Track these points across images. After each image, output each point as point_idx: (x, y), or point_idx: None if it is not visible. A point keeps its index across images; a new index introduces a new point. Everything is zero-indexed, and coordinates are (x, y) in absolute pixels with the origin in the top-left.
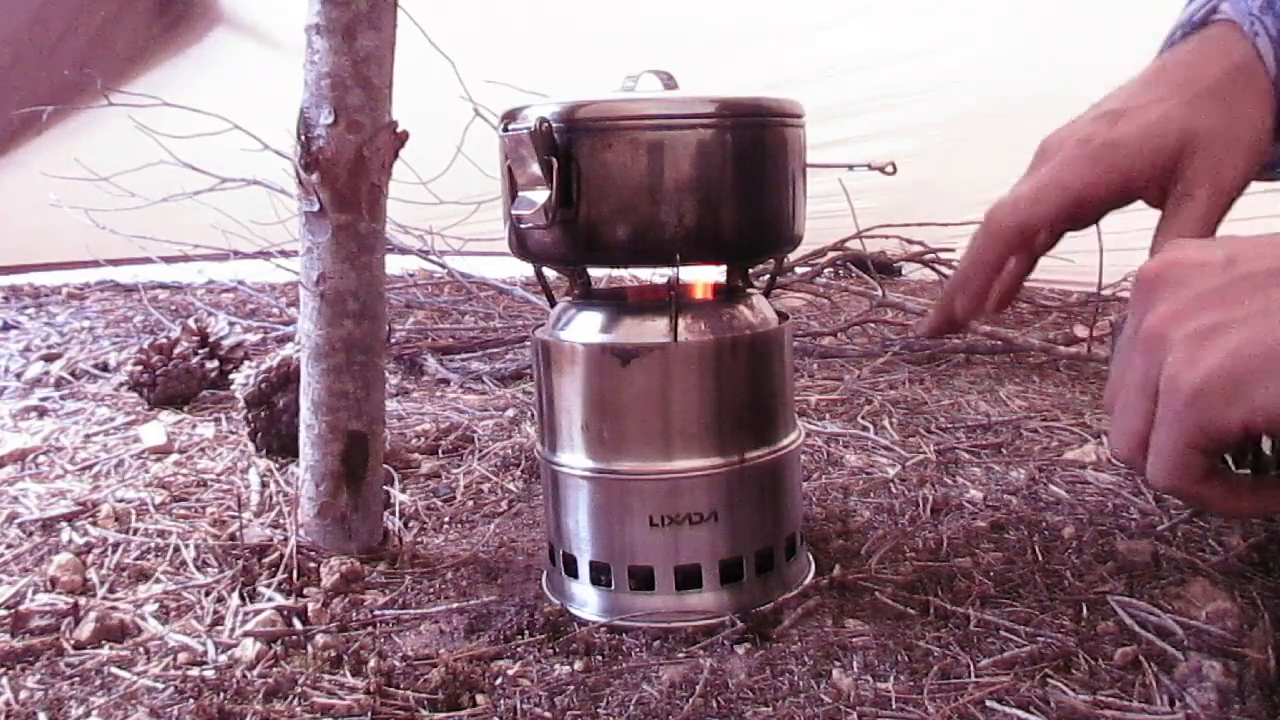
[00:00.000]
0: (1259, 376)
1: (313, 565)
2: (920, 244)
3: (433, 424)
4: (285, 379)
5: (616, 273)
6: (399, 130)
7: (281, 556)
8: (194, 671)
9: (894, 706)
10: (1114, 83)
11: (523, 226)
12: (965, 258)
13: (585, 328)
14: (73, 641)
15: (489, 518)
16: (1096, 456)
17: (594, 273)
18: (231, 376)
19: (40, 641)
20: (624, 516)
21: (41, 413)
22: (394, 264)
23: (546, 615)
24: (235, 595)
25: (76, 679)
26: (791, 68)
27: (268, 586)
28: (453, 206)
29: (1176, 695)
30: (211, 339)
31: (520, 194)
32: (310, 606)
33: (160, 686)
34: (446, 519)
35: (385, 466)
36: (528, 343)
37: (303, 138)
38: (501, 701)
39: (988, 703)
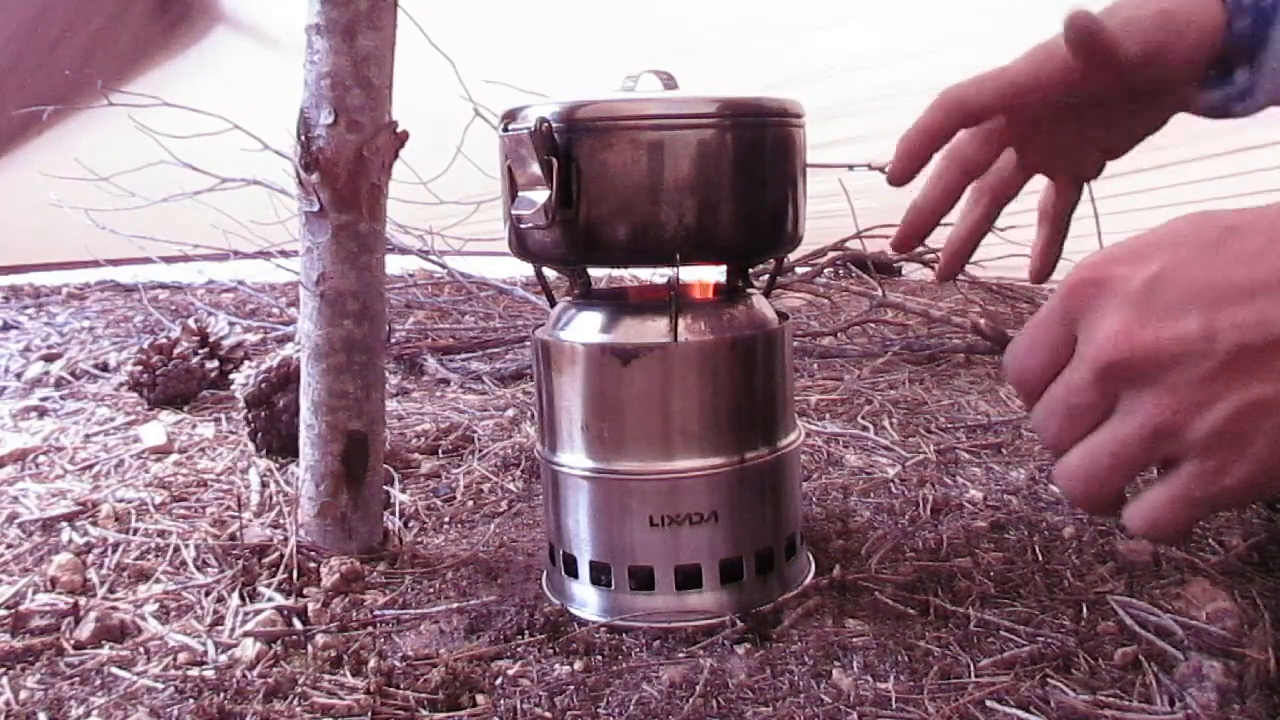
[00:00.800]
0: None
1: (313, 565)
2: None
3: (433, 424)
4: (285, 379)
5: (616, 273)
6: (399, 130)
7: (281, 556)
8: (194, 671)
9: (894, 706)
10: None
11: (523, 226)
12: (912, 126)
13: (585, 328)
14: (73, 641)
15: (489, 518)
16: None
17: (594, 273)
18: (231, 376)
19: (40, 641)
20: (624, 516)
21: (41, 413)
22: (394, 264)
23: (546, 615)
24: (235, 595)
25: (76, 679)
26: (791, 68)
27: (268, 586)
28: (453, 206)
29: (1176, 695)
30: (211, 339)
31: (520, 194)
32: (310, 606)
33: (160, 686)
34: (446, 519)
35: (385, 466)
36: (528, 343)
37: (303, 138)
38: (501, 701)
39: (988, 703)
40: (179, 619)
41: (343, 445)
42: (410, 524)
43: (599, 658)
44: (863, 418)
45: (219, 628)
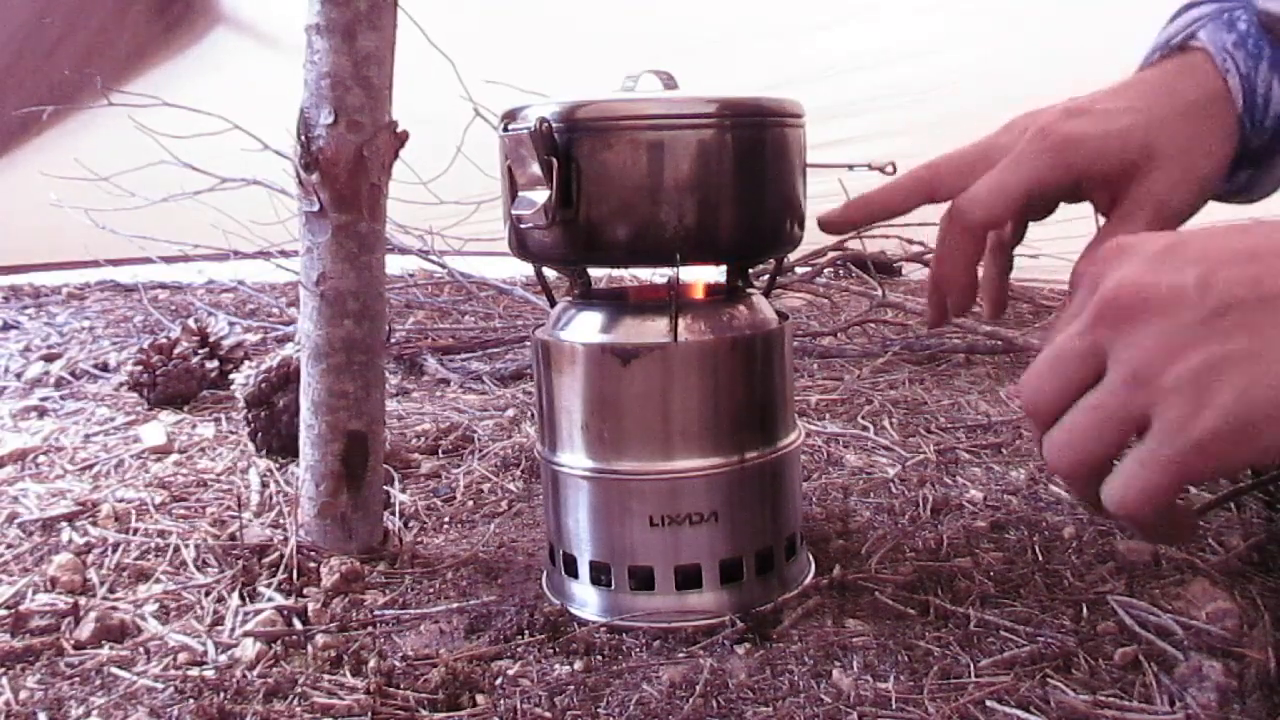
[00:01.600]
0: (1268, 420)
1: (313, 565)
2: (920, 244)
3: (433, 424)
4: (285, 379)
5: (616, 273)
6: (399, 130)
7: (281, 556)
8: (194, 671)
9: (894, 706)
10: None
11: (523, 226)
12: (942, 256)
13: (585, 328)
14: (73, 641)
15: (489, 518)
16: None
17: (594, 273)
18: (231, 376)
19: (40, 641)
20: (624, 516)
21: (41, 413)
22: (394, 264)
23: (546, 615)
24: (235, 595)
25: (76, 679)
26: (791, 68)
27: (268, 586)
28: (453, 206)
29: (1176, 695)
30: (211, 339)
31: (520, 194)
32: (310, 606)
33: (160, 686)
34: (446, 519)
35: (385, 466)
36: (528, 343)
37: (303, 138)
38: (501, 701)
39: (988, 703)
40: (179, 619)
41: (343, 445)
42: (410, 524)
43: (599, 658)
44: (863, 418)
45: (219, 628)
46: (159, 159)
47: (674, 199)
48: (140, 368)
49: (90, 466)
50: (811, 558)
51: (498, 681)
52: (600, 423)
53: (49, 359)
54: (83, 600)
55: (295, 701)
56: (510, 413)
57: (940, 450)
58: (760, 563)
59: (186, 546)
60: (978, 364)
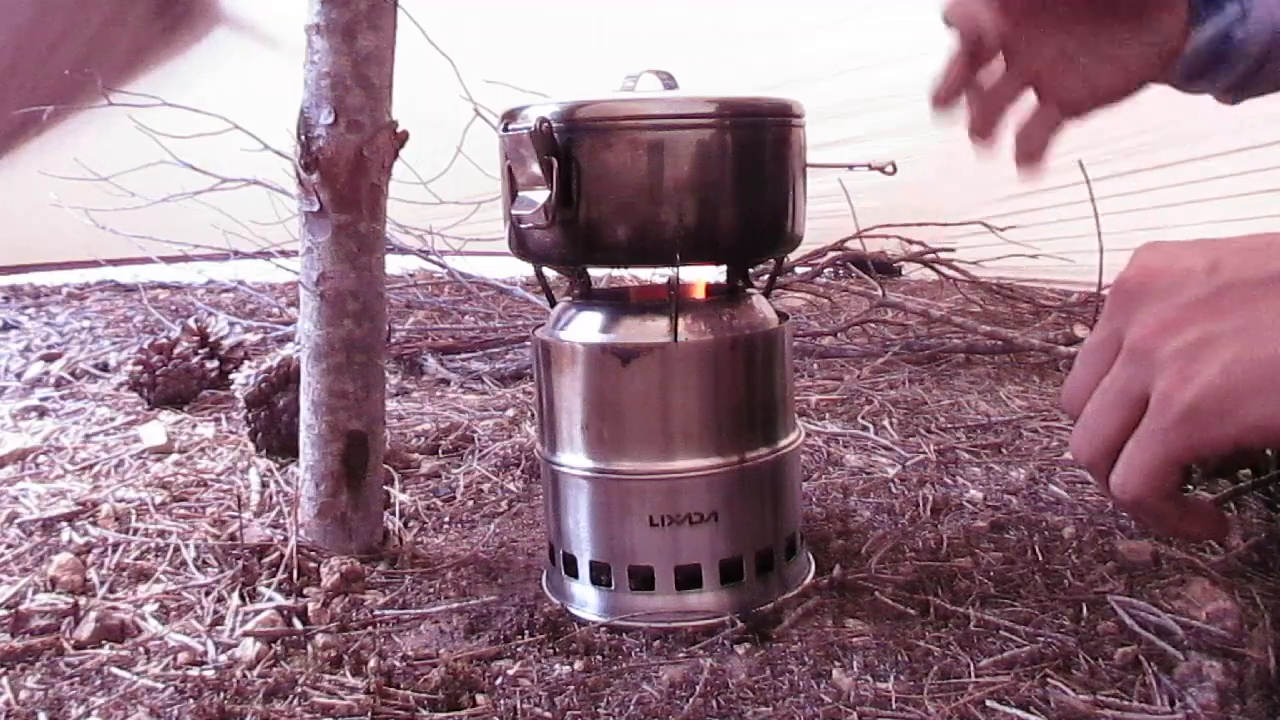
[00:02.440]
0: (1252, 392)
1: (313, 565)
2: (920, 244)
3: (433, 424)
4: (285, 379)
5: (616, 273)
6: (399, 130)
7: (281, 556)
8: (194, 671)
9: (894, 706)
10: None
11: (523, 226)
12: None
13: (585, 328)
14: (73, 641)
15: (489, 518)
16: None
17: (594, 273)
18: (231, 376)
19: (40, 641)
20: (624, 516)
21: (41, 413)
22: (394, 264)
23: (546, 615)
24: (235, 595)
25: (76, 679)
26: (791, 68)
27: (268, 586)
28: (453, 206)
29: (1176, 695)
30: (211, 339)
31: (520, 194)
32: (310, 606)
33: (160, 686)
34: (446, 519)
35: (385, 466)
36: (528, 343)
37: (303, 138)
38: (501, 701)
39: (988, 703)
40: (179, 619)
41: (343, 445)
42: (410, 524)
43: (599, 658)
44: (863, 418)
45: (219, 628)
46: (159, 159)
47: (674, 199)
48: (140, 368)
49: (90, 466)
50: (811, 558)
51: (498, 681)
52: (600, 423)
53: (49, 359)
54: (83, 600)
55: (295, 701)
56: (510, 413)
57: (940, 450)
58: (760, 563)
59: (186, 546)
60: (978, 364)
